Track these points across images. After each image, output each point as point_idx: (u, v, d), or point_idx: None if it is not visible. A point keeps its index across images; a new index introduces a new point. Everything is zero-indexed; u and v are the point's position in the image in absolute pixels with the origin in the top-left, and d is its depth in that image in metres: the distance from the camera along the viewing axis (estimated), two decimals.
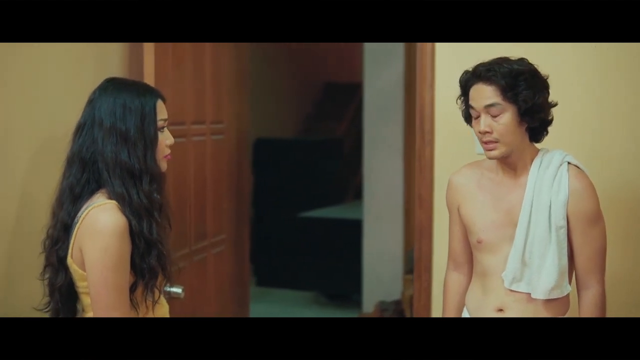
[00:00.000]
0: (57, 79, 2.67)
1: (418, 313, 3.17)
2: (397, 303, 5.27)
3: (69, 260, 2.02)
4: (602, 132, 2.83)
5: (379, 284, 5.63)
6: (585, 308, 2.25)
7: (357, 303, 6.04)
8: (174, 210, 2.90)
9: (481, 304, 2.32)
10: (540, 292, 2.21)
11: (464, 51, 2.98)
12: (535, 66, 2.23)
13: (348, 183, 7.58)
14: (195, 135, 3.06)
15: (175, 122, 2.91)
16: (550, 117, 2.26)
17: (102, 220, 1.96)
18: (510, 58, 2.22)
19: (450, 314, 2.47)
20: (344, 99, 8.42)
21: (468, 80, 2.22)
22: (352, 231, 6.02)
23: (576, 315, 2.31)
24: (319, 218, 6.60)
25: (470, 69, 2.24)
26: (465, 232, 2.37)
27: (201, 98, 3.11)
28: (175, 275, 2.89)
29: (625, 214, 2.82)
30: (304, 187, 7.16)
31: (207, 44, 3.10)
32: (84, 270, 1.99)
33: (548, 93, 2.22)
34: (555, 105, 2.26)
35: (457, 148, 3.03)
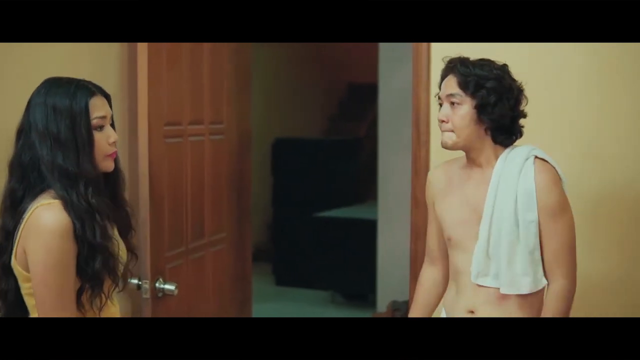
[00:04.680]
0: None
1: None
2: None
3: (13, 262, 1.98)
4: (601, 132, 2.80)
5: (393, 283, 5.61)
6: (547, 300, 2.22)
7: (374, 303, 6.03)
8: (170, 209, 2.96)
9: (454, 305, 2.31)
10: (511, 286, 2.19)
11: (460, 52, 2.96)
12: (513, 78, 2.26)
13: (368, 183, 7.56)
14: (192, 135, 3.08)
15: (171, 122, 2.95)
16: (515, 125, 2.26)
17: (45, 220, 1.91)
18: (491, 61, 2.27)
19: (417, 308, 2.48)
20: (367, 99, 8.41)
21: (443, 73, 2.30)
22: (369, 231, 6.01)
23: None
24: (335, 218, 6.60)
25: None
26: (441, 228, 2.38)
27: (199, 98, 3.13)
28: (168, 273, 2.94)
29: (623, 215, 2.79)
30: (323, 188, 7.17)
31: (206, 44, 3.11)
32: (28, 272, 1.95)
33: (515, 101, 2.23)
34: (524, 116, 2.27)
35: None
